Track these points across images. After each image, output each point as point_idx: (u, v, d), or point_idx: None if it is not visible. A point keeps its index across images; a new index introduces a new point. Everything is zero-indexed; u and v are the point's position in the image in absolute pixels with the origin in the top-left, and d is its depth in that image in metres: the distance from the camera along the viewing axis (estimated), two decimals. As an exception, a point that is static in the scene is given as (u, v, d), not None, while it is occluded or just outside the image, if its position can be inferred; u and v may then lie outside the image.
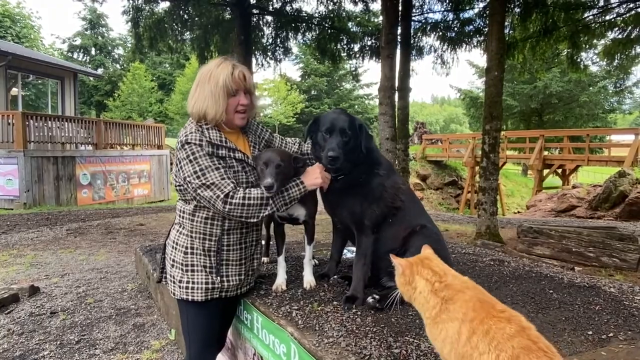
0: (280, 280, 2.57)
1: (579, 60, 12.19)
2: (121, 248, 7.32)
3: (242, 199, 2.05)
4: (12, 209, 12.09)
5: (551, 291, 2.60)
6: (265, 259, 3.23)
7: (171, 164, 19.01)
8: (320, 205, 2.63)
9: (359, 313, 2.17)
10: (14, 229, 8.90)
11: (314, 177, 2.26)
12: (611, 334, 2.03)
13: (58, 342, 3.77)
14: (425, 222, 2.40)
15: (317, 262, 3.10)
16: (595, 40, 12.32)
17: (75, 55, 44.45)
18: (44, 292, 5.00)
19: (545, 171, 21.09)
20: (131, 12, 12.02)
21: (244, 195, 2.06)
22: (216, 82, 2.12)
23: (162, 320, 4.26)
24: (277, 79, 39.69)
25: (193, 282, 2.20)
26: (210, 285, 2.22)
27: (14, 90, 17.99)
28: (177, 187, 2.24)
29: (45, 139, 13.44)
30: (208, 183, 2.04)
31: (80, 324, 4.15)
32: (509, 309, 1.35)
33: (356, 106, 47.73)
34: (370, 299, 2.24)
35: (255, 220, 2.14)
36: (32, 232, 8.54)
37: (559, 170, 21.78)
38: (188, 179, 2.08)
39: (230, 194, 2.04)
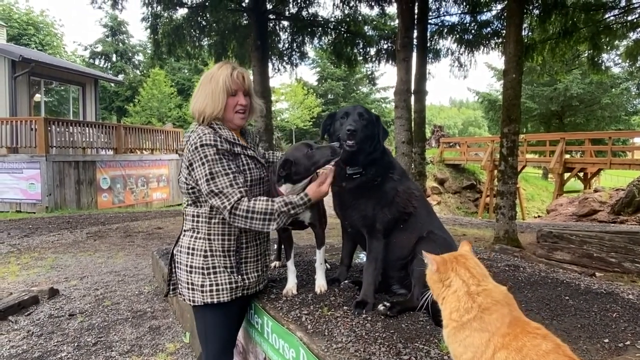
0: (291, 285, 2.57)
1: (600, 61, 11.98)
2: (139, 251, 7.42)
3: (245, 212, 2.05)
4: (34, 213, 12.37)
5: (567, 297, 2.54)
6: (277, 263, 3.23)
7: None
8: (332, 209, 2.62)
9: (369, 318, 2.16)
10: (35, 232, 9.10)
11: (317, 187, 2.21)
12: (628, 342, 1.98)
13: (75, 344, 3.83)
14: (433, 228, 2.37)
15: (329, 266, 3.09)
16: (617, 42, 12.11)
17: (96, 62, 45.24)
18: (63, 294, 5.10)
19: (566, 175, 20.72)
20: (150, 19, 12.21)
21: (247, 208, 2.06)
22: (216, 82, 2.20)
23: (177, 323, 4.30)
24: (293, 83, 39.85)
25: (217, 284, 2.20)
26: (234, 285, 2.23)
27: (37, 97, 18.42)
28: (189, 191, 2.22)
29: (66, 143, 13.75)
30: (216, 190, 2.06)
31: (98, 326, 4.22)
32: (543, 327, 1.32)
33: (373, 110, 47.48)
34: (381, 307, 2.22)
35: (261, 230, 2.15)
36: (53, 235, 8.72)
37: (581, 174, 21.36)
38: (200, 181, 2.11)
39: (235, 205, 2.05)
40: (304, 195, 2.15)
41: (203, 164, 2.09)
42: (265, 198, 2.12)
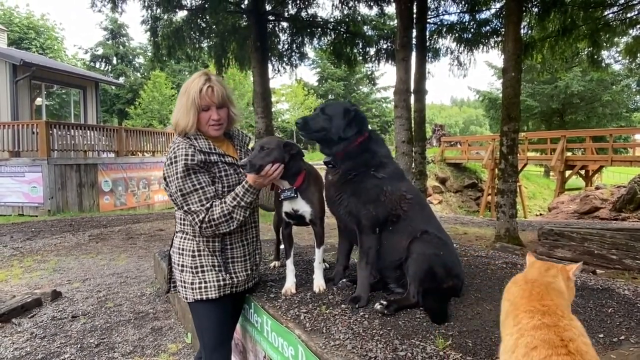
0: (290, 284, 2.60)
1: (599, 59, 11.98)
2: (141, 253, 7.45)
3: (208, 223, 2.18)
4: (36, 216, 12.41)
5: (564, 294, 2.56)
6: (277, 263, 3.26)
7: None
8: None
9: (366, 316, 2.19)
10: (38, 235, 9.14)
11: (256, 176, 2.26)
12: (623, 337, 2.00)
13: (78, 346, 3.87)
14: (428, 228, 2.39)
15: (327, 265, 3.12)
16: (616, 39, 12.10)
17: (97, 65, 45.30)
18: (65, 296, 5.14)
19: (568, 172, 20.68)
20: (150, 22, 12.23)
21: (209, 219, 2.17)
22: (187, 97, 2.21)
23: (179, 324, 4.33)
24: (294, 84, 39.89)
25: (205, 282, 2.28)
26: (221, 282, 2.30)
27: (38, 100, 18.46)
28: (172, 198, 2.31)
29: (68, 147, 13.78)
30: (186, 208, 2.19)
31: (100, 328, 4.25)
32: (562, 315, 1.31)
33: (374, 109, 47.58)
34: (378, 305, 2.25)
35: (231, 229, 2.23)
36: (55, 238, 8.75)
37: (582, 172, 21.34)
38: (173, 196, 2.23)
39: (202, 219, 2.17)
40: (244, 183, 2.24)
41: (172, 181, 2.19)
42: (218, 202, 2.20)
